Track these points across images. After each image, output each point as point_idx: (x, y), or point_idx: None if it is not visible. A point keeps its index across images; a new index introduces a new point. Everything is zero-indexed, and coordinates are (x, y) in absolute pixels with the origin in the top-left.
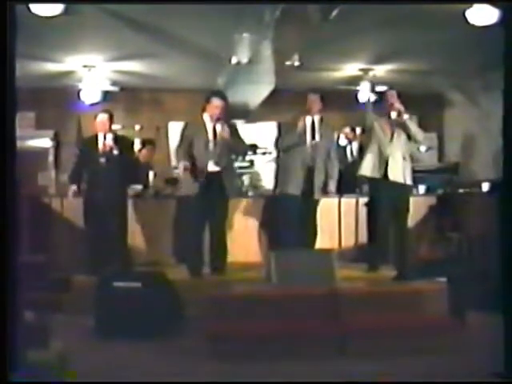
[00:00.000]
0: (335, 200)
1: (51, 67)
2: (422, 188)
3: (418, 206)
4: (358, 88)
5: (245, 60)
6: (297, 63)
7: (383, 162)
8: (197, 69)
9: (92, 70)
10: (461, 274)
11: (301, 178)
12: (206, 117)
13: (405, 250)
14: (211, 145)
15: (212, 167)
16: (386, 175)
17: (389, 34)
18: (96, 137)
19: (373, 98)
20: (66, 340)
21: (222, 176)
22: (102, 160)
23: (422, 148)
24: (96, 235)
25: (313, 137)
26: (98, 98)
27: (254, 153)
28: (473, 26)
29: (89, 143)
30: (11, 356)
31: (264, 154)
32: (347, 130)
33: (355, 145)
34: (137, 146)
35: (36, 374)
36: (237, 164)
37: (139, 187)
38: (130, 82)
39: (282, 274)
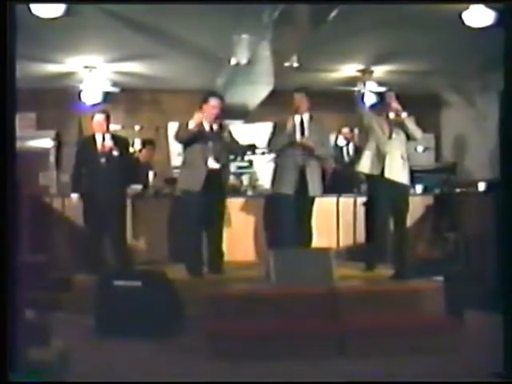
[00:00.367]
0: (333, 199)
1: (52, 68)
2: (419, 188)
3: (415, 205)
4: (356, 89)
5: (244, 61)
6: (295, 64)
7: (381, 160)
8: (196, 69)
9: (93, 71)
10: (458, 273)
11: (293, 177)
12: (201, 116)
13: (402, 249)
14: (210, 143)
15: (212, 164)
16: (383, 173)
17: (387, 35)
18: (94, 137)
19: (371, 98)
20: (66, 339)
21: (222, 174)
22: (102, 160)
23: (419, 148)
24: (96, 235)
25: (302, 135)
26: (98, 98)
27: (253, 153)
28: (469, 27)
29: (87, 144)
30: (11, 356)
31: (263, 154)
32: (345, 129)
33: (353, 145)
34: (137, 146)
35: (36, 373)
36: (236, 164)
37: (139, 187)
38: (130, 83)
39: (280, 273)
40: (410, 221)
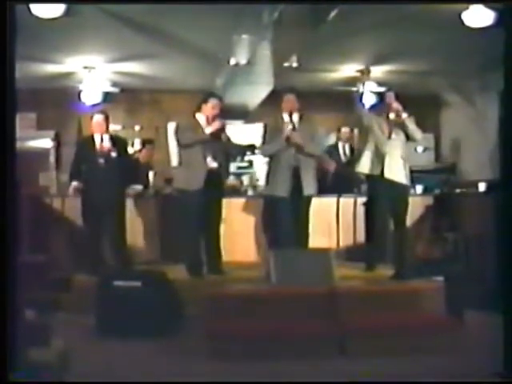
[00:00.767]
0: (333, 199)
1: (52, 68)
2: (419, 188)
3: (415, 205)
4: (356, 89)
5: (243, 61)
6: (295, 64)
7: (380, 160)
8: (196, 69)
9: (92, 71)
10: (458, 273)
11: (287, 178)
12: (201, 116)
13: (402, 249)
14: (209, 143)
15: (211, 163)
16: (383, 173)
17: (387, 35)
18: (92, 137)
19: (371, 98)
20: (66, 339)
21: (220, 173)
22: (100, 161)
23: (419, 148)
24: (95, 235)
25: (290, 136)
26: (98, 98)
27: (253, 153)
28: (469, 27)
29: (86, 144)
30: (11, 356)
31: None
32: (344, 129)
33: (349, 145)
34: (137, 146)
35: (36, 373)
36: (236, 164)
37: (139, 187)
38: (130, 83)
39: (280, 274)
40: (409, 221)
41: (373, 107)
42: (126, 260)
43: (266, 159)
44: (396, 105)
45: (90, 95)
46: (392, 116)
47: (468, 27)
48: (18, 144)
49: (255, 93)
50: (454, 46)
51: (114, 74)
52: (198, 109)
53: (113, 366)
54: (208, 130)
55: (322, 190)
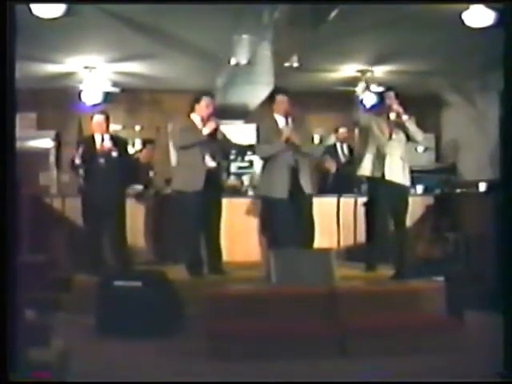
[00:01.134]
0: (334, 199)
1: (52, 68)
2: (419, 188)
3: (415, 205)
4: (355, 89)
5: (244, 61)
6: (296, 64)
7: (381, 162)
8: (196, 69)
9: (93, 71)
10: (458, 273)
11: (286, 179)
12: (195, 117)
13: (403, 249)
14: (206, 143)
15: (209, 163)
16: (384, 175)
17: (387, 35)
18: (93, 137)
19: (371, 99)
20: (66, 339)
21: (218, 172)
22: (101, 161)
23: (420, 148)
24: (96, 235)
25: (287, 137)
26: (98, 98)
27: (254, 153)
28: (469, 27)
29: (86, 144)
30: (11, 356)
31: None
32: (342, 129)
33: (350, 145)
34: (137, 146)
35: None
36: (236, 164)
37: (139, 187)
38: (130, 83)
39: (281, 274)
40: (410, 221)
41: (373, 107)
42: (126, 260)
43: (262, 160)
44: (396, 107)
45: (91, 95)
46: (392, 116)
47: (468, 27)
48: (18, 144)
49: (255, 93)
50: (455, 45)
51: (115, 73)
52: (192, 109)
53: (113, 366)
54: (205, 131)
55: (323, 190)
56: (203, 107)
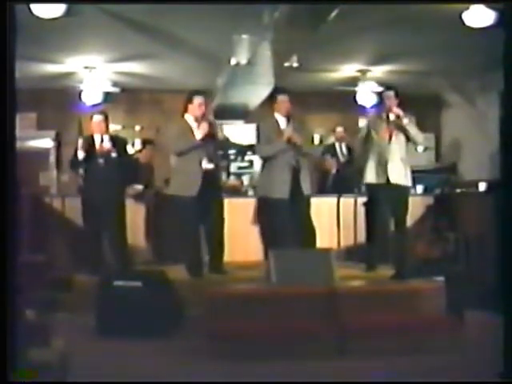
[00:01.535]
0: (334, 199)
1: (52, 68)
2: (419, 188)
3: (415, 205)
4: (356, 89)
5: (244, 61)
6: (296, 64)
7: (384, 167)
8: (196, 69)
9: (93, 71)
10: (458, 273)
11: (285, 180)
12: (189, 117)
13: (403, 249)
14: (202, 145)
15: (206, 165)
16: (388, 179)
17: (387, 35)
18: (92, 137)
19: (371, 99)
20: (66, 339)
21: (217, 174)
22: (100, 161)
23: (420, 148)
24: (95, 235)
25: (289, 138)
26: (98, 98)
27: (254, 153)
28: (470, 27)
29: (86, 143)
30: (11, 356)
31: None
32: (339, 129)
33: (348, 144)
34: (137, 146)
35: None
36: (237, 164)
37: (139, 187)
38: (130, 83)
39: (281, 274)
40: (410, 221)
41: (373, 108)
42: (126, 260)
43: (262, 160)
44: (396, 109)
45: (91, 95)
46: (392, 117)
47: (468, 27)
48: (18, 144)
49: (256, 93)
50: (455, 45)
51: (115, 73)
52: (185, 109)
53: (113, 366)
54: (198, 136)
55: (323, 190)
56: (196, 107)
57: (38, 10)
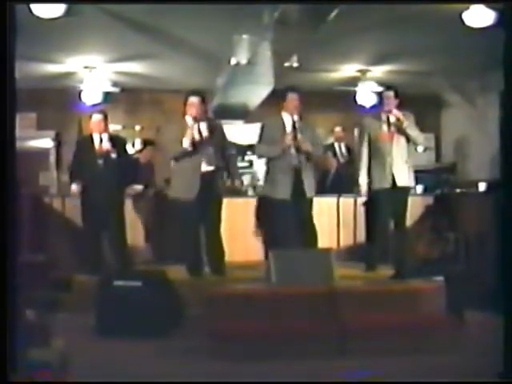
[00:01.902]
0: (333, 199)
1: (52, 68)
2: (419, 188)
3: (415, 205)
4: (356, 89)
5: (244, 61)
6: (295, 64)
7: (389, 171)
8: (196, 69)
9: (93, 71)
10: (458, 273)
11: (288, 180)
12: (188, 118)
13: (403, 249)
14: (201, 147)
15: (205, 168)
16: (394, 183)
17: (387, 35)
18: (91, 137)
19: (371, 99)
20: (66, 339)
21: (216, 175)
22: (100, 162)
23: (420, 148)
24: (95, 235)
25: (295, 137)
26: (98, 98)
27: (253, 153)
28: (470, 27)
29: (84, 143)
30: (11, 356)
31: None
32: (338, 129)
33: (347, 144)
34: (137, 146)
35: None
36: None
37: (139, 187)
38: (130, 83)
39: (280, 274)
40: (410, 221)
41: (373, 108)
42: (126, 260)
43: (265, 159)
44: (396, 111)
45: (91, 95)
46: (392, 119)
47: (468, 27)
48: (18, 144)
49: (256, 93)
50: (455, 45)
51: (115, 73)
52: (184, 111)
53: (113, 366)
54: (185, 143)
55: (322, 190)
56: (191, 107)
57: (38, 9)
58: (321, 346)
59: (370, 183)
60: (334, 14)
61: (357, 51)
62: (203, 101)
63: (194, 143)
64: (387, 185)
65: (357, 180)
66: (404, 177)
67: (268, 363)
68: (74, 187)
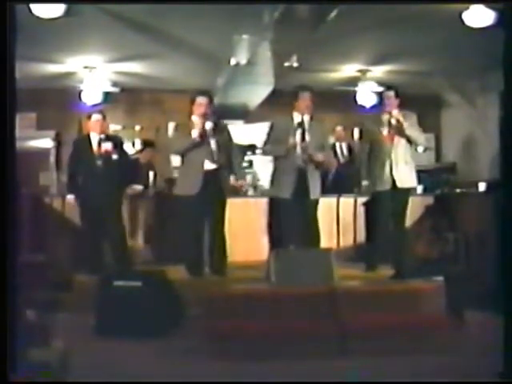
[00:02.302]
0: (333, 199)
1: (52, 68)
2: (419, 188)
3: (415, 205)
4: (356, 89)
5: (244, 61)
6: (295, 64)
7: (389, 172)
8: (196, 69)
9: (93, 71)
10: (458, 273)
11: (292, 180)
12: (195, 118)
13: (403, 249)
14: (204, 145)
15: (209, 166)
16: (395, 184)
17: (387, 35)
18: (88, 137)
19: (372, 99)
20: (66, 339)
21: (219, 174)
22: (98, 162)
23: (420, 148)
24: (95, 236)
25: (303, 138)
26: (98, 98)
27: (254, 153)
28: (470, 27)
29: (81, 144)
30: (11, 356)
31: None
32: (338, 128)
33: (349, 144)
34: (137, 146)
35: (36, 373)
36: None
37: (139, 187)
38: (130, 83)
39: (280, 274)
40: (409, 221)
41: (373, 108)
42: (126, 260)
43: (270, 159)
44: (396, 113)
45: (91, 95)
46: (394, 121)
47: (468, 27)
48: (18, 144)
49: (256, 93)
50: (455, 46)
51: (115, 73)
52: (191, 111)
53: (113, 366)
54: (194, 133)
55: (322, 190)
56: (198, 107)
57: (38, 9)
58: (321, 346)
59: (370, 184)
60: (333, 13)
61: (357, 51)
62: (211, 101)
63: (200, 142)
64: (387, 186)
65: (358, 180)
66: (404, 178)
67: (268, 363)
68: (71, 197)
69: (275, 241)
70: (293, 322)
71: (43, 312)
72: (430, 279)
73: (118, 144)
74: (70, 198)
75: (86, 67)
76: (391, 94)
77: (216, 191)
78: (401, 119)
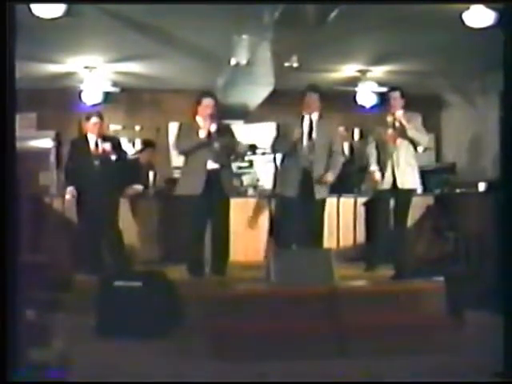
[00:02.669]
0: (333, 199)
1: (52, 68)
2: (419, 188)
3: (415, 205)
4: (356, 89)
5: (244, 61)
6: (296, 64)
7: (390, 173)
8: (196, 69)
9: (93, 71)
10: (458, 273)
11: (298, 179)
12: (200, 119)
13: (403, 249)
14: (207, 145)
15: (211, 165)
16: (396, 185)
17: (387, 35)
18: (86, 138)
19: (371, 99)
20: (66, 339)
21: (222, 174)
22: (96, 163)
23: (420, 148)
24: (94, 236)
25: (310, 137)
26: (98, 98)
27: (254, 153)
28: (470, 27)
29: (79, 144)
30: (11, 356)
31: (263, 154)
32: (341, 128)
33: (350, 143)
34: (138, 146)
35: (36, 373)
36: (236, 164)
37: (139, 187)
38: (130, 83)
39: (281, 274)
40: (410, 221)
41: (374, 108)
42: (126, 260)
43: (270, 158)
44: (399, 116)
45: (91, 95)
46: (397, 124)
47: (468, 27)
48: (18, 144)
49: (256, 93)
50: (455, 46)
51: (115, 73)
52: (195, 111)
53: (113, 366)
54: (202, 134)
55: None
56: (204, 109)
57: (38, 9)
58: (321, 346)
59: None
60: (334, 14)
61: (357, 51)
62: (216, 102)
63: (204, 142)
64: (387, 186)
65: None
66: (406, 179)
67: (268, 363)
68: (69, 197)
69: (278, 239)
70: (293, 321)
71: (43, 312)
72: (430, 279)
73: (116, 144)
74: (68, 191)
75: (86, 67)
76: (396, 94)
77: (218, 191)
78: (403, 122)
